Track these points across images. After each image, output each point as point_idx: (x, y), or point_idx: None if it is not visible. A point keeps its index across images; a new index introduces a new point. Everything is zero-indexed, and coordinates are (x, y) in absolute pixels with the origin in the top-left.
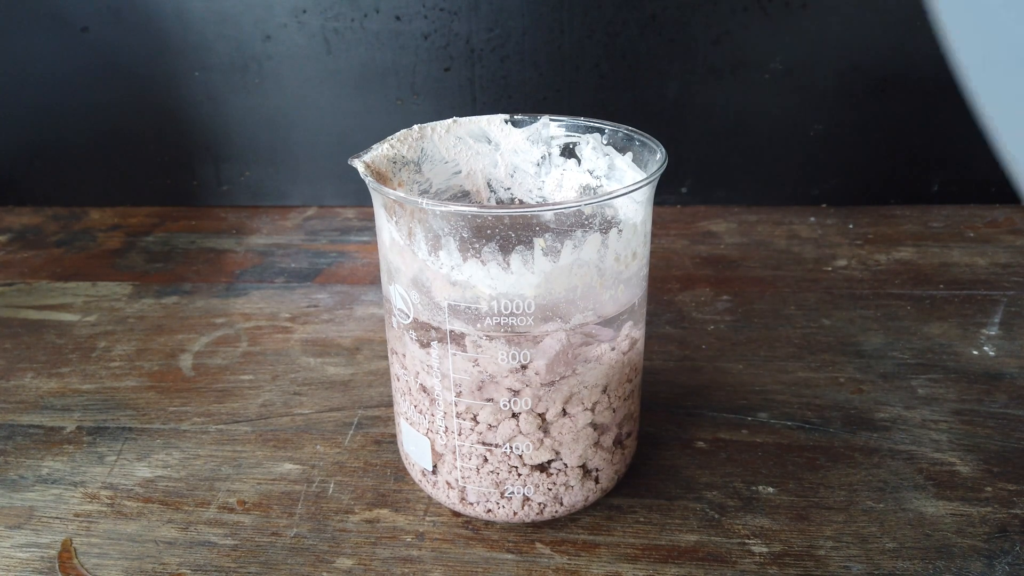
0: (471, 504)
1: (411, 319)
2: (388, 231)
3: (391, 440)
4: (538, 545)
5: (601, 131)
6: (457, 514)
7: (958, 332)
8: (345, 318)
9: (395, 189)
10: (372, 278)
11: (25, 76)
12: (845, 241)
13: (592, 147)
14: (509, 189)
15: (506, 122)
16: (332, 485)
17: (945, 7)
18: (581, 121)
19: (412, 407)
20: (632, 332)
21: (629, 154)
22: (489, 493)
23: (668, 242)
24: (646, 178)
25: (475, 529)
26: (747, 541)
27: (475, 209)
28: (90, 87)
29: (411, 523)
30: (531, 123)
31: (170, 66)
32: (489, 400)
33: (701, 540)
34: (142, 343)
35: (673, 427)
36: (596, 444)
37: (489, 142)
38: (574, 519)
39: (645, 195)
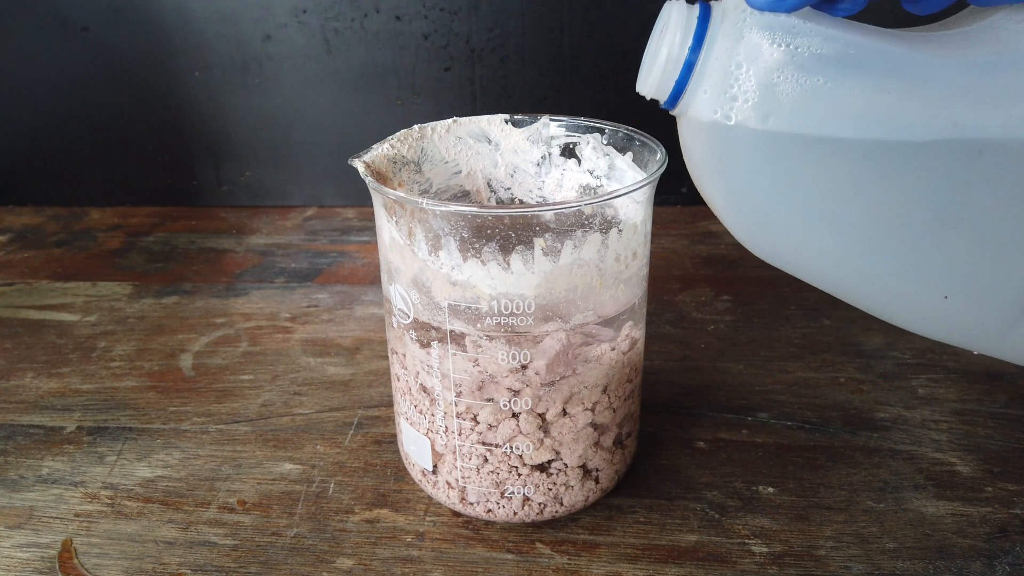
0: (471, 504)
1: (411, 319)
2: (388, 231)
3: (391, 440)
4: (538, 545)
5: (601, 131)
6: (457, 514)
7: None
8: (345, 318)
9: (395, 189)
10: (372, 278)
11: (25, 76)
12: None
13: (592, 147)
14: (509, 189)
15: (506, 122)
16: (332, 485)
17: None
18: (581, 121)
19: (412, 407)
20: (632, 332)
21: (629, 154)
22: (489, 493)
23: (668, 242)
24: (646, 178)
25: (475, 529)
26: (747, 541)
27: (475, 209)
28: (90, 87)
29: (411, 523)
30: (531, 123)
31: (170, 66)
32: (489, 400)
33: (701, 540)
34: (142, 343)
35: (673, 427)
36: (596, 444)
37: (489, 142)
38: (574, 519)
39: (645, 195)
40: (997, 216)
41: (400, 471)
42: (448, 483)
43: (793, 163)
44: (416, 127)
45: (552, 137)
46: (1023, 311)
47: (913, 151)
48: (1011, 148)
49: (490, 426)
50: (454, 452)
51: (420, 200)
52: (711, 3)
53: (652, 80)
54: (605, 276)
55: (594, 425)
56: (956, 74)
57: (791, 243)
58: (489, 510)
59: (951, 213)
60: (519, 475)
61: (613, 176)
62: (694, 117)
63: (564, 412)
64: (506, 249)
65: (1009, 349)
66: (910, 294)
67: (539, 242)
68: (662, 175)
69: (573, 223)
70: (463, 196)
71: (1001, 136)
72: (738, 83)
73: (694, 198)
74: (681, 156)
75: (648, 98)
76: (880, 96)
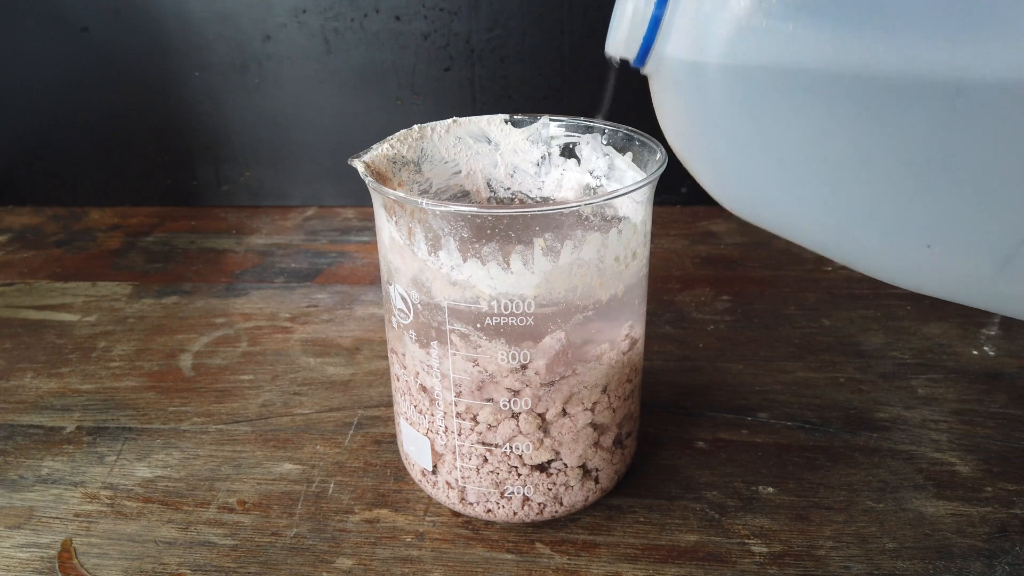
0: (471, 504)
1: (411, 319)
2: (388, 231)
3: (391, 440)
4: (538, 545)
5: (601, 131)
6: (457, 514)
7: (958, 332)
8: (345, 318)
9: (395, 189)
10: (372, 278)
11: (25, 76)
12: None
13: (592, 147)
14: (509, 189)
15: (506, 122)
16: (332, 485)
17: None
18: (581, 121)
19: (412, 407)
20: (632, 332)
21: (629, 154)
22: (489, 493)
23: (668, 242)
24: (646, 178)
25: (475, 529)
26: (747, 541)
27: (475, 209)
28: (90, 87)
29: (411, 523)
30: (531, 123)
31: (170, 66)
32: (489, 400)
33: (701, 540)
34: (142, 343)
35: (673, 427)
36: (596, 444)
37: (489, 142)
38: (574, 519)
39: (645, 195)
40: (975, 161)
41: (400, 471)
42: (448, 483)
43: (766, 114)
44: (416, 127)
45: (552, 137)
46: (1009, 259)
47: (888, 95)
48: (989, 88)
49: (490, 426)
50: (454, 452)
51: (420, 200)
52: None
53: (619, 38)
54: (605, 276)
55: (594, 425)
56: (930, 14)
57: (766, 196)
58: (489, 510)
59: (927, 160)
60: (519, 475)
61: (613, 176)
62: (663, 74)
63: (564, 412)
64: (506, 249)
65: (998, 299)
66: (890, 245)
67: (539, 242)
68: (662, 175)
69: (573, 223)
70: (463, 196)
71: (979, 76)
72: (706, 37)
73: (694, 198)
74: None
75: (618, 59)
76: (853, 40)
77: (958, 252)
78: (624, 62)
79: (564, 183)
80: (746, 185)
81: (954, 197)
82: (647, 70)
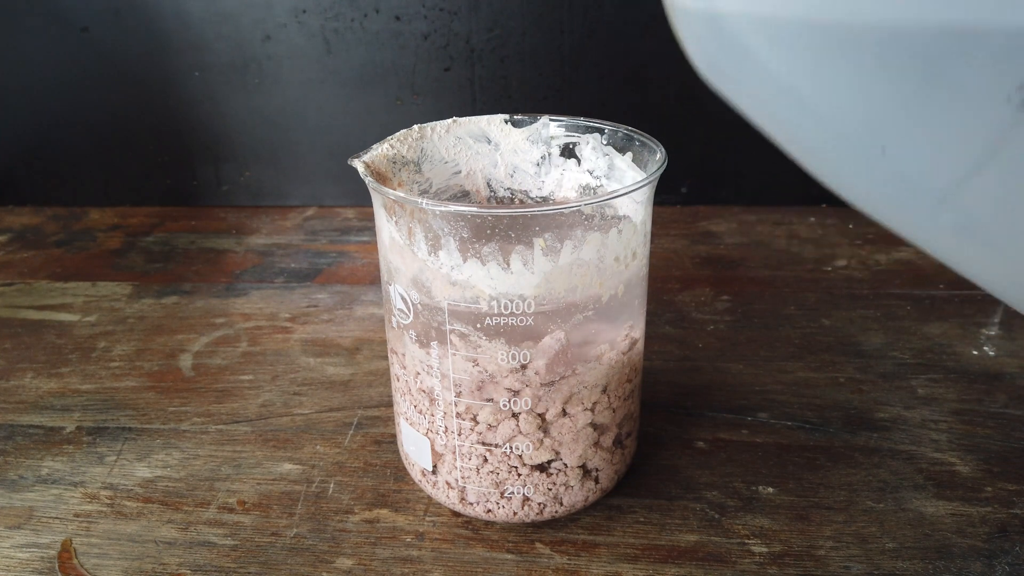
0: (471, 504)
1: (411, 319)
2: (388, 231)
3: (391, 440)
4: (538, 545)
5: (601, 131)
6: (457, 514)
7: (958, 332)
8: (345, 318)
9: (395, 189)
10: (372, 278)
11: (25, 76)
12: (845, 241)
13: (592, 147)
14: (509, 189)
15: (506, 122)
16: (332, 485)
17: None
18: (581, 121)
19: (412, 407)
20: (632, 332)
21: (629, 154)
22: (489, 493)
23: (668, 242)
24: (646, 178)
25: (475, 529)
26: (747, 541)
27: (475, 209)
28: (90, 87)
29: (411, 523)
30: (531, 123)
31: (170, 66)
32: (489, 400)
33: (701, 540)
34: (142, 343)
35: (673, 427)
36: (596, 444)
37: (489, 142)
38: (574, 519)
39: (645, 195)
40: (957, 97)
41: (400, 471)
42: (448, 483)
43: (770, 42)
44: (416, 127)
45: (552, 137)
46: (958, 184)
47: (894, 37)
48: (988, 35)
49: (490, 426)
50: (454, 452)
51: (420, 200)
52: None
53: None
54: (605, 276)
55: (594, 425)
56: None
57: (751, 92)
58: (489, 510)
59: (912, 92)
60: (519, 475)
61: (613, 176)
62: None
63: (564, 412)
64: (506, 249)
65: (938, 233)
66: (846, 142)
67: (539, 242)
68: (662, 175)
69: (573, 223)
70: (463, 196)
71: (986, 23)
72: None
73: (694, 198)
74: (681, 156)
75: None
76: None
77: (910, 166)
78: None
79: (564, 183)
80: (733, 79)
81: (922, 117)
82: None
